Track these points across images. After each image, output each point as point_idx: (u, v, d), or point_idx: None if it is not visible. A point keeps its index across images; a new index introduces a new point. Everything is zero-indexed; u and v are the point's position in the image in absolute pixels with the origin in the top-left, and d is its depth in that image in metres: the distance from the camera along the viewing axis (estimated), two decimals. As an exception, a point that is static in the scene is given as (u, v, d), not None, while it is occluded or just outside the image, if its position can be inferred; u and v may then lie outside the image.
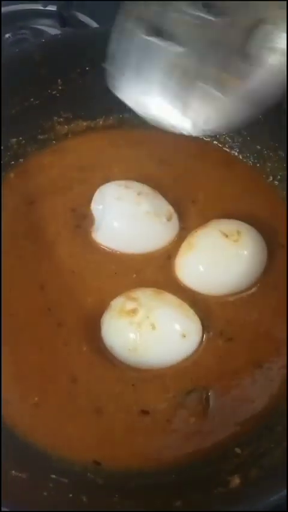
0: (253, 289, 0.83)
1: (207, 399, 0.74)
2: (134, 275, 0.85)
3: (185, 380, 0.75)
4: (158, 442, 0.72)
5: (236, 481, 0.62)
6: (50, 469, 0.67)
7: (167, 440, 0.72)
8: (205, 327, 0.79)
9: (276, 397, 0.75)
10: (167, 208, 0.88)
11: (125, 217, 0.86)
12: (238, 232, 0.82)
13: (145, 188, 0.88)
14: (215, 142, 1.01)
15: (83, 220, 0.90)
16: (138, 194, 0.86)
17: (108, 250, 0.87)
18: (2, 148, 0.94)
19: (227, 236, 0.81)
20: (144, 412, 0.73)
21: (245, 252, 0.81)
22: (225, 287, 0.82)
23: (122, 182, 0.89)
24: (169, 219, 0.87)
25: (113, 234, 0.87)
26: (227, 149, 1.01)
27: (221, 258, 0.81)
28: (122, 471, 0.69)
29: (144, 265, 0.86)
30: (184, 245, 0.85)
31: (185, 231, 0.88)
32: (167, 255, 0.86)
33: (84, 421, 0.73)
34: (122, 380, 0.75)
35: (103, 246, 0.87)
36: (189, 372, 0.76)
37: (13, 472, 0.62)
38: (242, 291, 0.83)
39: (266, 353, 0.78)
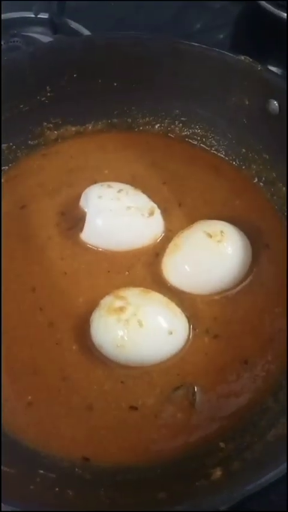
0: (238, 288, 0.85)
1: (193, 394, 0.76)
2: (127, 272, 0.87)
3: (172, 376, 0.77)
4: (145, 437, 0.73)
5: (217, 473, 0.63)
6: (38, 464, 0.69)
7: (155, 435, 0.73)
8: (192, 325, 0.81)
9: (260, 392, 0.76)
10: (148, 203, 0.90)
11: (106, 213, 0.88)
12: (221, 233, 0.83)
13: (127, 187, 0.91)
14: (202, 145, 1.03)
15: (73, 222, 0.92)
16: (119, 191, 0.89)
17: (98, 250, 0.89)
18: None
19: (211, 236, 0.83)
20: (133, 408, 0.75)
21: (229, 252, 0.83)
22: (210, 286, 0.84)
23: (105, 183, 0.91)
24: (151, 213, 0.89)
25: (98, 232, 0.89)
26: (215, 152, 1.02)
27: (205, 258, 0.83)
28: (109, 466, 0.70)
29: (134, 262, 0.88)
30: (170, 246, 0.87)
31: (171, 233, 0.89)
32: (155, 253, 0.88)
33: (75, 418, 0.74)
34: (111, 377, 0.77)
35: (90, 245, 0.89)
36: (176, 368, 0.78)
37: (1, 467, 0.64)
38: (227, 290, 0.84)
39: (251, 350, 0.80)
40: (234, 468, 0.64)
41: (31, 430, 0.74)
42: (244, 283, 0.85)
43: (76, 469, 0.70)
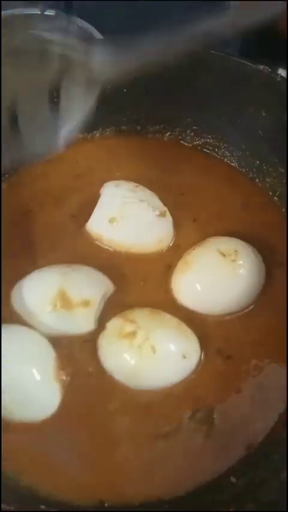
0: (251, 307, 0.81)
1: (212, 417, 0.73)
2: (142, 283, 0.84)
3: (189, 400, 0.74)
4: (157, 470, 0.70)
5: (232, 516, 0.61)
6: (39, 499, 0.66)
7: (178, 464, 0.70)
8: (203, 346, 0.77)
9: (274, 423, 0.73)
10: (162, 207, 0.88)
11: (118, 199, 0.86)
12: (236, 252, 0.80)
13: (145, 188, 0.89)
14: (213, 154, 1.00)
15: (84, 223, 0.88)
16: (136, 186, 0.88)
17: (110, 250, 0.86)
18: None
19: (224, 255, 0.80)
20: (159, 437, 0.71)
21: (243, 272, 0.80)
22: (222, 306, 0.81)
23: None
24: (162, 214, 0.86)
25: (106, 218, 0.86)
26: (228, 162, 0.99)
27: (218, 277, 0.80)
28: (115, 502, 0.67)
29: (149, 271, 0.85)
30: (180, 264, 0.83)
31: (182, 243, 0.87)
32: (167, 264, 0.85)
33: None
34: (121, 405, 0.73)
35: (94, 234, 0.87)
36: (191, 391, 0.74)
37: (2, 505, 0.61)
38: (239, 310, 0.81)
39: (266, 372, 0.77)
40: (248, 509, 0.61)
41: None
42: (257, 303, 0.82)
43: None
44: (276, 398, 0.75)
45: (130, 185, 0.88)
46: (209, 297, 0.81)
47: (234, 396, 0.75)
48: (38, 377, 0.71)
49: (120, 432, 0.71)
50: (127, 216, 0.85)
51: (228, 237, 0.84)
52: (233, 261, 0.79)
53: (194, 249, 0.83)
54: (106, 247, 0.86)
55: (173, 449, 0.71)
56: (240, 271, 0.80)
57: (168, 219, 0.87)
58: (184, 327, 0.77)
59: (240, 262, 0.80)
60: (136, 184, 0.89)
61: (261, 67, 0.85)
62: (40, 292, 0.78)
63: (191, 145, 1.01)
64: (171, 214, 0.88)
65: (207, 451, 0.71)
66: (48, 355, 0.74)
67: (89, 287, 0.79)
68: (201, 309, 0.81)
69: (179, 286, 0.82)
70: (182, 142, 1.01)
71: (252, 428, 0.73)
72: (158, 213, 0.86)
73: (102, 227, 0.86)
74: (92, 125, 0.98)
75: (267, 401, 0.75)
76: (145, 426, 0.72)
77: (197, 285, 0.81)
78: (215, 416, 0.73)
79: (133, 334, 0.73)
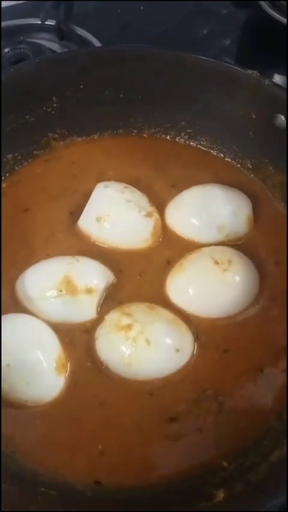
0: (246, 311, 0.83)
1: (218, 396, 0.75)
2: (138, 277, 0.86)
3: (191, 383, 0.77)
4: (154, 454, 0.73)
5: (220, 495, 0.63)
6: (39, 481, 0.69)
7: (163, 452, 0.73)
8: (200, 342, 0.80)
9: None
10: (150, 207, 0.91)
11: (106, 199, 0.90)
12: (229, 262, 0.82)
13: (135, 189, 0.93)
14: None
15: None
16: (125, 187, 0.92)
17: (108, 248, 0.89)
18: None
19: (217, 263, 0.82)
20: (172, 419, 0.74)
21: (233, 282, 0.82)
22: (214, 311, 0.82)
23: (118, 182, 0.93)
24: (149, 215, 0.90)
25: (93, 217, 0.89)
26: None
27: (208, 284, 0.82)
28: (112, 484, 0.70)
29: (146, 267, 0.87)
30: (176, 266, 0.86)
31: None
32: (166, 260, 0.88)
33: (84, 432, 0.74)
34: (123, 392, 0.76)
35: (85, 232, 0.90)
36: (192, 376, 0.77)
37: (3, 485, 0.64)
38: (232, 315, 0.82)
39: (265, 359, 0.79)
40: (237, 490, 0.64)
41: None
42: (253, 306, 0.84)
43: (77, 486, 0.70)
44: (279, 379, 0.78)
45: (119, 186, 0.92)
46: (201, 301, 0.83)
47: (236, 379, 0.77)
48: (43, 361, 0.75)
49: (119, 417, 0.75)
50: (113, 216, 0.89)
51: (226, 247, 0.87)
52: (225, 270, 0.81)
53: (190, 254, 0.86)
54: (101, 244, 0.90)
55: (179, 432, 0.73)
56: (231, 281, 0.81)
57: (156, 219, 0.91)
58: (179, 321, 0.80)
59: (232, 272, 0.81)
60: (126, 185, 0.92)
61: (250, 71, 0.88)
62: (46, 279, 0.81)
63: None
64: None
65: (217, 429, 0.74)
66: (52, 341, 0.78)
67: (92, 276, 0.82)
68: (194, 312, 0.82)
69: (173, 288, 0.84)
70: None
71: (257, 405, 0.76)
72: (145, 213, 0.89)
73: (91, 225, 0.90)
74: (90, 128, 1.02)
75: (269, 382, 0.78)
76: (150, 411, 0.75)
77: (190, 289, 0.83)
78: (221, 393, 0.76)
79: (129, 327, 0.76)
